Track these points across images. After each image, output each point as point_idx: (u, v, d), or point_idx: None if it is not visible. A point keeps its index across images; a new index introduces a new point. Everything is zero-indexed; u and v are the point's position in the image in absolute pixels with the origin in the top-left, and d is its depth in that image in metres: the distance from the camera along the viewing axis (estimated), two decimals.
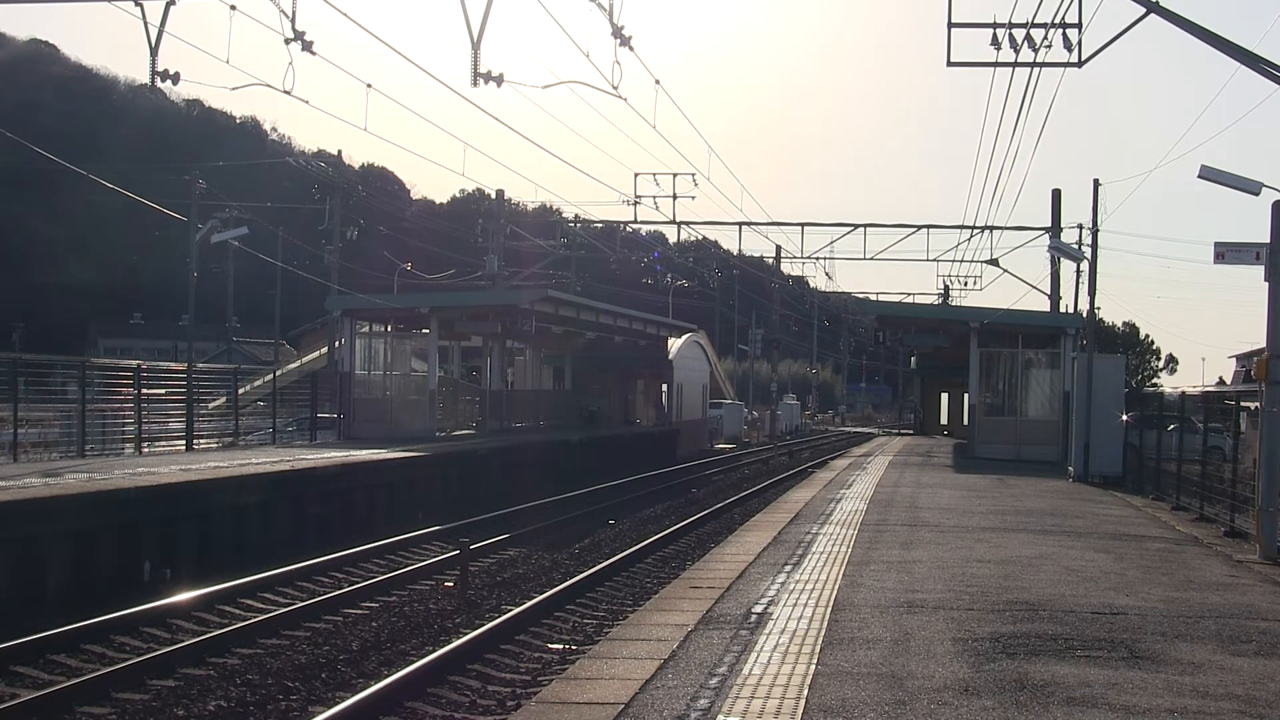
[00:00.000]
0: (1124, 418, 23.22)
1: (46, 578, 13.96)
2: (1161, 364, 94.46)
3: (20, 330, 64.44)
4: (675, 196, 38.43)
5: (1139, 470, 21.79)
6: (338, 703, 9.86)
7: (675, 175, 38.39)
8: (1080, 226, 33.64)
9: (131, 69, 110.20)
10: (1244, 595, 10.28)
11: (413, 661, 11.28)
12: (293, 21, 17.06)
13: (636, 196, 38.54)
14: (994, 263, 40.08)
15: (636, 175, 38.78)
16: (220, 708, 10.01)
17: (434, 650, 11.80)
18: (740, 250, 49.80)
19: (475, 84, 17.22)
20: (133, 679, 10.79)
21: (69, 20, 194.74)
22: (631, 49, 18.13)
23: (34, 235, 74.37)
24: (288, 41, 17.25)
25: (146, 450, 23.84)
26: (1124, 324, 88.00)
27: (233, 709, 9.98)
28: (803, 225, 39.93)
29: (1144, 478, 21.19)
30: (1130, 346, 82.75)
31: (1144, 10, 14.67)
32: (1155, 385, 69.06)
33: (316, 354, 54.41)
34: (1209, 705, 6.51)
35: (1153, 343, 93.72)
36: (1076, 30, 16.40)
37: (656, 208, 39.12)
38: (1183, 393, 20.29)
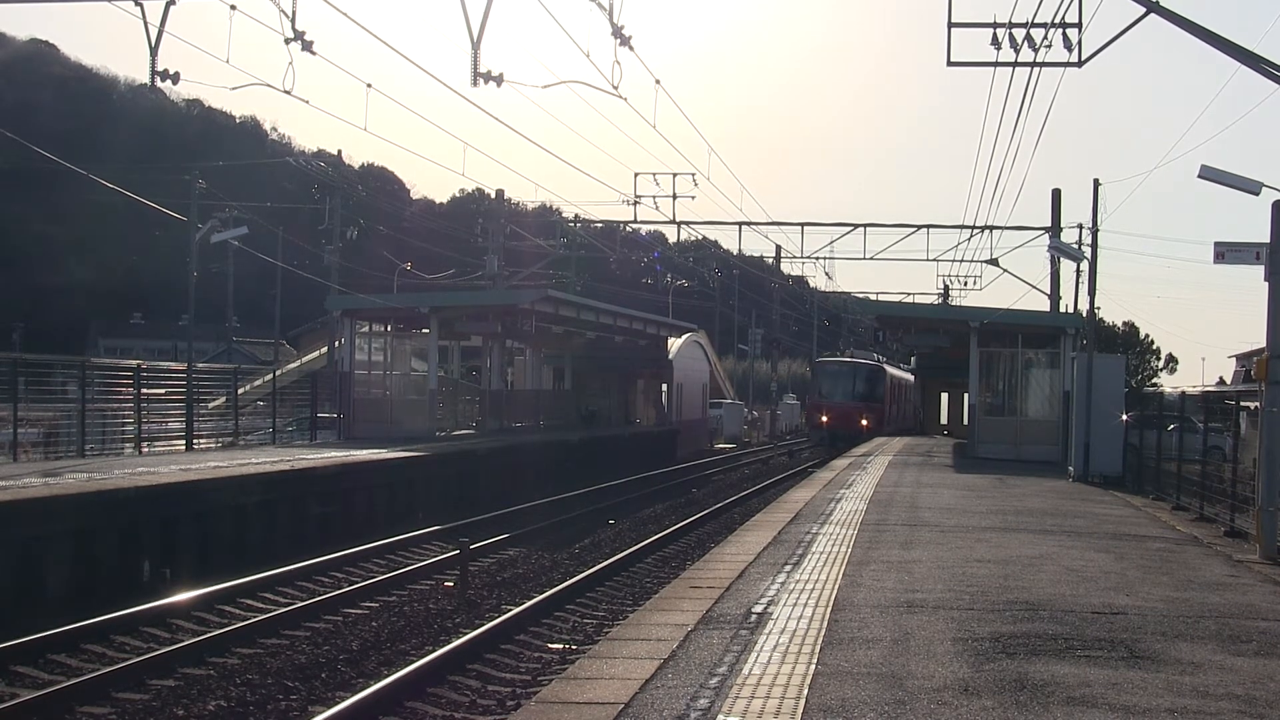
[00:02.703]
0: (1124, 417, 23.21)
1: (46, 577, 13.96)
2: (1161, 364, 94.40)
3: (20, 330, 64.42)
4: (675, 196, 38.43)
5: (1139, 470, 21.78)
6: (337, 702, 9.86)
7: (675, 175, 38.39)
8: (1080, 226, 33.67)
9: (132, 69, 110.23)
10: (1244, 595, 10.28)
11: (413, 661, 11.29)
12: (293, 21, 17.08)
13: (636, 196, 38.53)
14: (994, 262, 40.08)
15: (636, 175, 38.78)
16: (220, 707, 10.01)
17: (434, 650, 11.80)
18: (740, 250, 49.88)
19: (475, 84, 17.24)
20: (133, 679, 10.80)
21: (69, 20, 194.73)
22: (631, 49, 18.14)
23: (34, 235, 74.32)
24: (288, 41, 17.27)
25: (146, 450, 23.84)
26: (1124, 324, 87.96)
27: (233, 709, 9.98)
28: (803, 225, 39.94)
29: (1144, 478, 21.19)
30: (1130, 346, 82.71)
31: (1144, 10, 14.67)
32: (1155, 385, 69.05)
33: (316, 354, 54.40)
34: (1209, 705, 6.51)
35: (1153, 342, 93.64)
36: (1076, 30, 16.41)
37: (656, 208, 39.12)
38: (1183, 392, 20.29)
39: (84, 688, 10.37)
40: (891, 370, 50.81)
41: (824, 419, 45.90)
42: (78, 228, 72.27)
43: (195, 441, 25.86)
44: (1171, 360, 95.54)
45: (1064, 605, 9.33)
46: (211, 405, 29.68)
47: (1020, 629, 8.36)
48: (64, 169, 26.43)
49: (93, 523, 14.70)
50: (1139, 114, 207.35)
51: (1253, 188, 14.05)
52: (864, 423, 44.13)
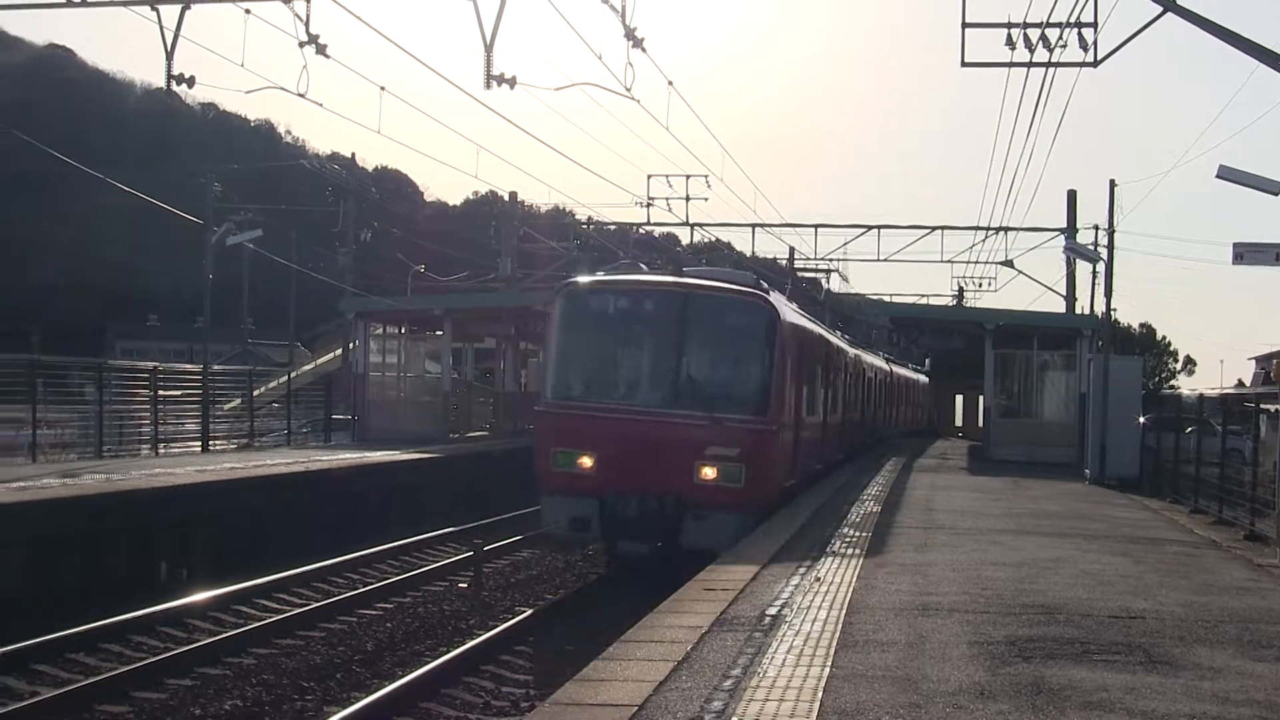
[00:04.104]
0: (1141, 420, 23.11)
1: (65, 577, 14.03)
2: (1179, 365, 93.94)
3: (38, 332, 64.73)
4: (688, 198, 38.34)
5: (1156, 473, 21.67)
6: (352, 703, 9.89)
7: (688, 177, 38.32)
8: (1096, 227, 33.45)
9: (148, 73, 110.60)
10: (1265, 599, 10.20)
11: (427, 662, 11.31)
12: (307, 25, 17.15)
13: (649, 198, 38.49)
14: (1009, 264, 39.91)
15: (649, 177, 38.69)
16: (236, 707, 10.05)
17: (448, 651, 11.82)
18: (753, 252, 49.71)
19: (488, 86, 17.26)
20: (150, 678, 10.85)
21: (86, 25, 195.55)
22: (644, 50, 18.13)
23: (50, 238, 74.73)
24: (302, 45, 17.35)
25: (163, 451, 23.94)
26: (1140, 325, 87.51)
27: (248, 709, 10.02)
28: (816, 227, 39.89)
29: (1161, 480, 21.07)
30: (1147, 348, 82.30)
31: (1161, 9, 14.60)
32: (1173, 387, 68.76)
33: (331, 356, 54.50)
34: (1229, 711, 6.46)
35: (1170, 344, 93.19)
36: (1092, 30, 16.31)
37: (669, 209, 39.03)
38: (1201, 394, 20.18)
39: (102, 686, 10.42)
40: (804, 323, 19.49)
41: (587, 465, 14.89)
42: (94, 230, 72.62)
43: (211, 443, 25.94)
44: (1189, 362, 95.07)
45: (1081, 609, 9.28)
46: (227, 407, 29.77)
47: (1036, 632, 8.31)
48: (80, 172, 26.58)
49: (110, 523, 14.76)
50: (1156, 114, 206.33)
51: (1272, 188, 13.99)
52: (708, 475, 14.63)
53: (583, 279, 16.67)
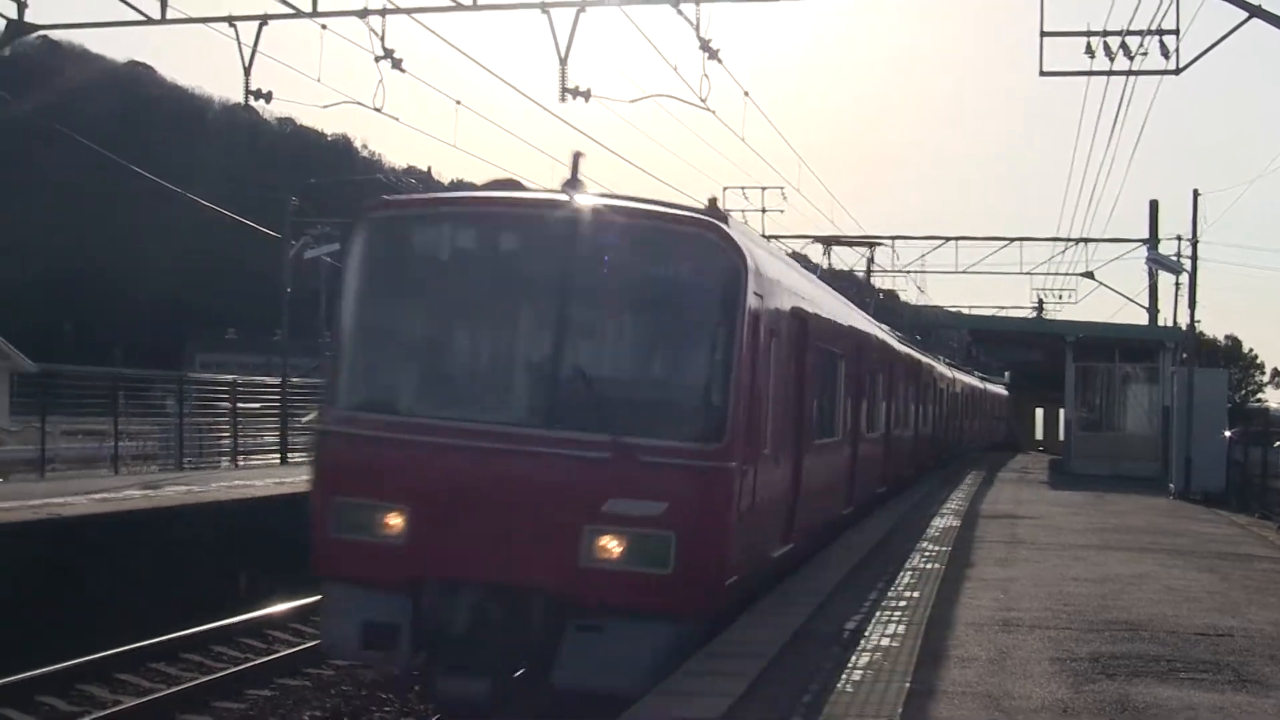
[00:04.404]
0: (1227, 433, 22.59)
1: (147, 587, 14.28)
2: (1267, 378, 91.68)
3: (120, 347, 66.30)
4: (764, 211, 38.17)
5: (1243, 488, 21.16)
6: (429, 715, 9.95)
7: (764, 189, 38.15)
8: (1179, 238, 32.75)
9: (226, 88, 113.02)
10: None
11: None
12: (382, 40, 17.33)
13: (725, 210, 38.41)
14: (1089, 275, 39.20)
15: (725, 189, 38.59)
16: (314, 718, 10.16)
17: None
18: (829, 264, 49.32)
19: (563, 99, 17.32)
20: (230, 688, 11.01)
21: (166, 42, 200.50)
22: (720, 61, 18.03)
23: (132, 253, 76.62)
24: (378, 60, 17.53)
25: (242, 463, 24.33)
26: (1226, 337, 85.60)
27: None
28: (894, 239, 39.41)
29: (1249, 495, 20.58)
30: (1233, 360, 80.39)
31: (1245, 15, 14.28)
32: (1260, 400, 67.08)
33: None
34: None
35: (1256, 357, 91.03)
36: (1174, 37, 15.96)
37: (745, 222, 38.89)
38: None
39: (183, 696, 10.60)
40: (806, 288, 12.30)
41: (394, 528, 8.61)
42: (174, 245, 74.33)
43: (290, 455, 26.32)
44: (1277, 374, 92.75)
45: (1166, 626, 9.06)
46: (305, 419, 30.19)
47: (1120, 649, 8.13)
48: (161, 187, 27.19)
49: (191, 534, 15.02)
50: (1241, 121, 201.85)
51: None
52: (610, 551, 8.19)
53: (398, 197, 10.67)
